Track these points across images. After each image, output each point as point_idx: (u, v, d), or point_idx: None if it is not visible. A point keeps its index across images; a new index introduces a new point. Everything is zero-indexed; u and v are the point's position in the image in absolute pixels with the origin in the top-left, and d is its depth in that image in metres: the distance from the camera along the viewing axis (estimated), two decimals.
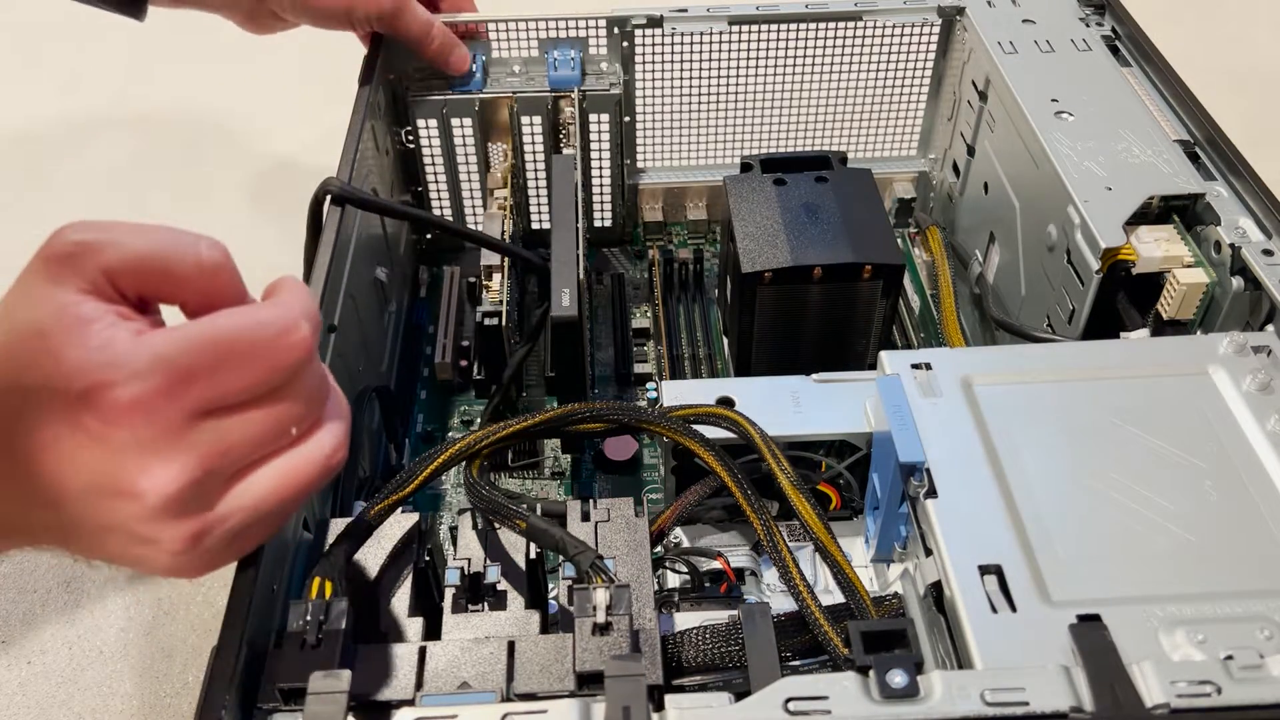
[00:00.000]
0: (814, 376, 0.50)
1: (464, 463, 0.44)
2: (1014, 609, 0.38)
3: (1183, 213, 0.55)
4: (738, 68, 0.72)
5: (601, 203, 0.77)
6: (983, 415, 0.45)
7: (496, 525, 0.44)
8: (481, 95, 0.70)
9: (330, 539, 0.42)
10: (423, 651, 0.38)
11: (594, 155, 0.74)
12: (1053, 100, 0.60)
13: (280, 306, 0.35)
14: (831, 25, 0.70)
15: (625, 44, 0.70)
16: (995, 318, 0.64)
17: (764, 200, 0.61)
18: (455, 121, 0.71)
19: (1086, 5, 0.69)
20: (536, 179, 0.74)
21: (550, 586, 0.47)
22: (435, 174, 0.74)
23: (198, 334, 0.33)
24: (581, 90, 0.70)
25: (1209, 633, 0.36)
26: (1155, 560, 0.39)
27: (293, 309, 0.35)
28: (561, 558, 0.41)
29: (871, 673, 0.35)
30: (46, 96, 1.01)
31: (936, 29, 0.71)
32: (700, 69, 0.72)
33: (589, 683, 0.36)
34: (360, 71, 0.65)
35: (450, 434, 0.68)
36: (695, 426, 0.46)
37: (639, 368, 0.71)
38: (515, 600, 0.42)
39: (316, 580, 0.38)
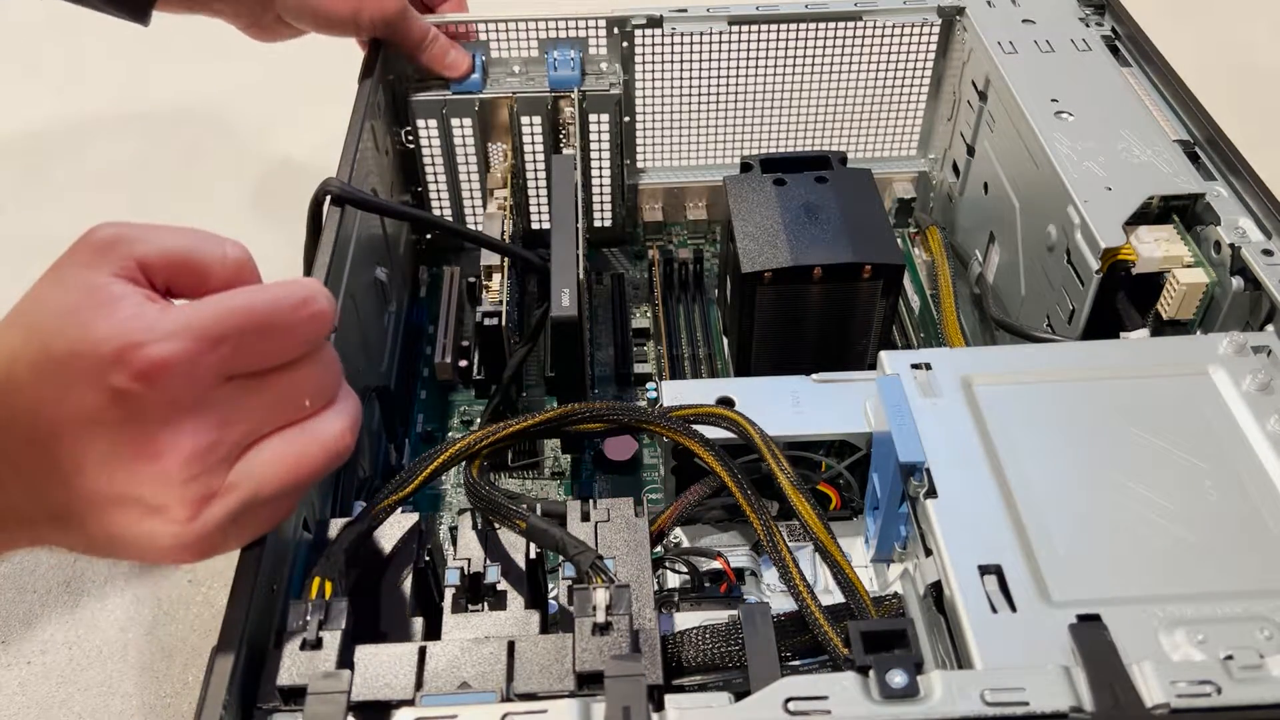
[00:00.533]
0: (814, 376, 0.50)
1: (464, 463, 0.44)
2: (1014, 609, 0.38)
3: (1183, 213, 0.55)
4: (738, 68, 0.72)
5: (601, 203, 0.77)
6: (983, 415, 0.45)
7: (496, 525, 0.44)
8: (481, 95, 0.70)
9: (330, 539, 0.42)
10: (423, 651, 0.38)
11: (594, 155, 0.74)
12: (1053, 100, 0.60)
13: (299, 283, 0.37)
14: (831, 25, 0.70)
15: (625, 44, 0.70)
16: (995, 318, 0.64)
17: (764, 200, 0.61)
18: (455, 121, 0.71)
19: (1086, 5, 0.69)
20: (536, 179, 0.74)
21: (550, 586, 0.47)
22: (435, 174, 0.74)
23: (224, 302, 0.35)
24: (581, 90, 0.70)
25: (1209, 633, 0.36)
26: (1155, 560, 0.39)
27: (311, 285, 0.37)
28: (561, 558, 0.41)
29: (871, 673, 0.35)
30: (46, 96, 1.01)
31: (936, 29, 0.71)
32: (700, 69, 0.72)
33: (589, 683, 0.36)
34: (360, 72, 0.65)
35: (450, 434, 0.68)
36: (695, 426, 0.46)
37: (639, 368, 0.71)
38: (515, 600, 0.42)
39: (316, 580, 0.38)
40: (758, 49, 0.71)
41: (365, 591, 0.41)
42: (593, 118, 0.72)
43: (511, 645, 0.38)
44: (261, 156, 0.94)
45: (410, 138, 0.72)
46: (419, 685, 0.37)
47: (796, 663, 0.41)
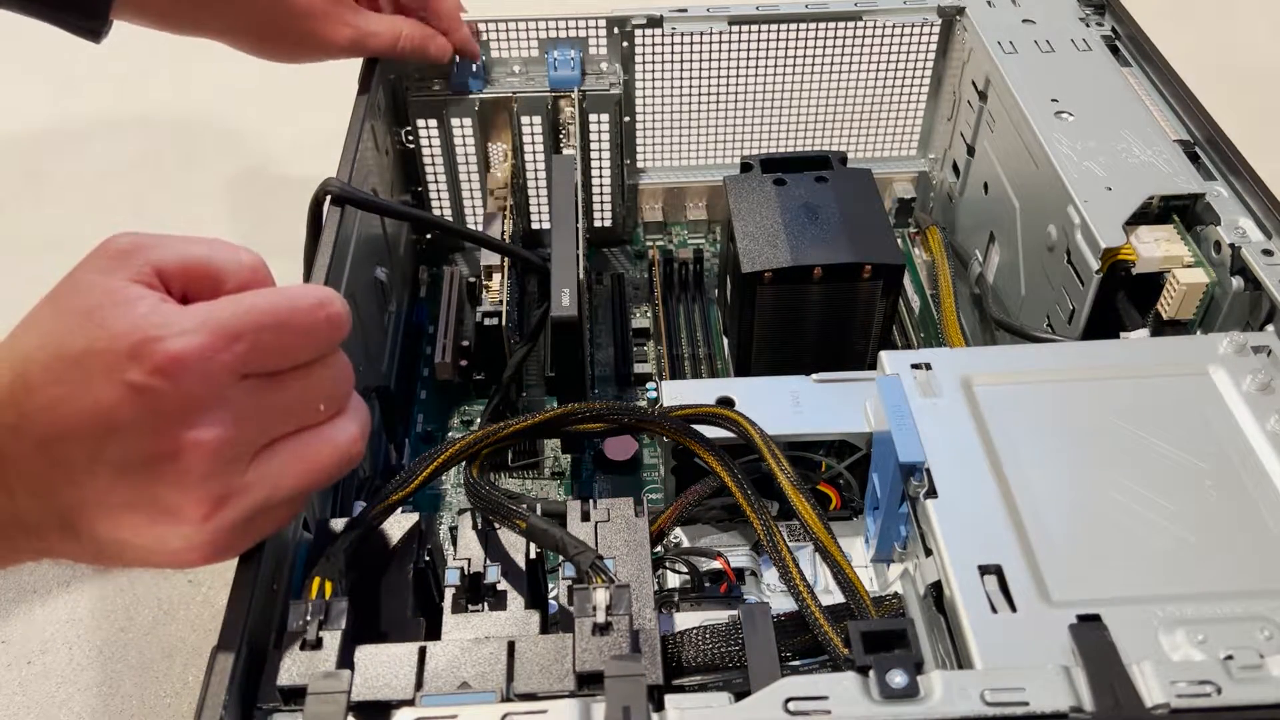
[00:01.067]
0: (814, 376, 0.50)
1: (464, 463, 0.44)
2: (1014, 609, 0.38)
3: (1183, 213, 0.55)
4: (738, 68, 0.72)
5: (601, 203, 0.77)
6: (983, 415, 0.45)
7: (496, 525, 0.44)
8: (481, 95, 0.70)
9: (330, 539, 0.42)
10: (423, 651, 0.38)
11: (594, 155, 0.74)
12: (1053, 100, 0.60)
13: (315, 287, 0.38)
14: (831, 25, 0.70)
15: (625, 44, 0.70)
16: (995, 318, 0.64)
17: (764, 200, 0.61)
18: (455, 121, 0.71)
19: (1086, 5, 0.69)
20: (536, 179, 0.74)
21: (550, 586, 0.47)
22: (435, 174, 0.74)
23: (241, 301, 0.36)
24: (581, 90, 0.70)
25: (1209, 633, 0.36)
26: (1155, 560, 0.39)
27: (327, 289, 0.38)
28: (561, 558, 0.41)
29: (871, 673, 0.35)
30: (46, 97, 1.01)
31: (936, 29, 0.71)
32: (700, 69, 0.72)
33: (589, 683, 0.36)
34: (360, 71, 0.65)
35: (450, 434, 0.68)
36: (695, 426, 0.46)
37: (639, 368, 0.71)
38: (515, 600, 0.42)
39: (316, 580, 0.38)
40: (758, 49, 0.71)
41: (365, 591, 0.41)
42: (593, 118, 0.72)
43: (511, 645, 0.38)
44: (261, 157, 0.94)
45: (410, 138, 0.72)
46: (419, 685, 0.37)
47: (796, 663, 0.41)
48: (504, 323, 0.61)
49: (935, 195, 0.78)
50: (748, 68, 0.72)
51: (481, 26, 0.70)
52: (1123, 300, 0.54)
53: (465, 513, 0.46)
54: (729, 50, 0.71)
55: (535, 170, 0.74)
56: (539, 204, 0.76)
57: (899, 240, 0.77)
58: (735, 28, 0.70)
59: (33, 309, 0.35)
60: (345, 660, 0.37)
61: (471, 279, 0.74)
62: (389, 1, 0.66)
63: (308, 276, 0.51)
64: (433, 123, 0.71)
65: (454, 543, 0.44)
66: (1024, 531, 0.40)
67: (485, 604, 0.42)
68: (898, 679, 0.34)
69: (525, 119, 0.71)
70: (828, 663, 0.40)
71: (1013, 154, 0.63)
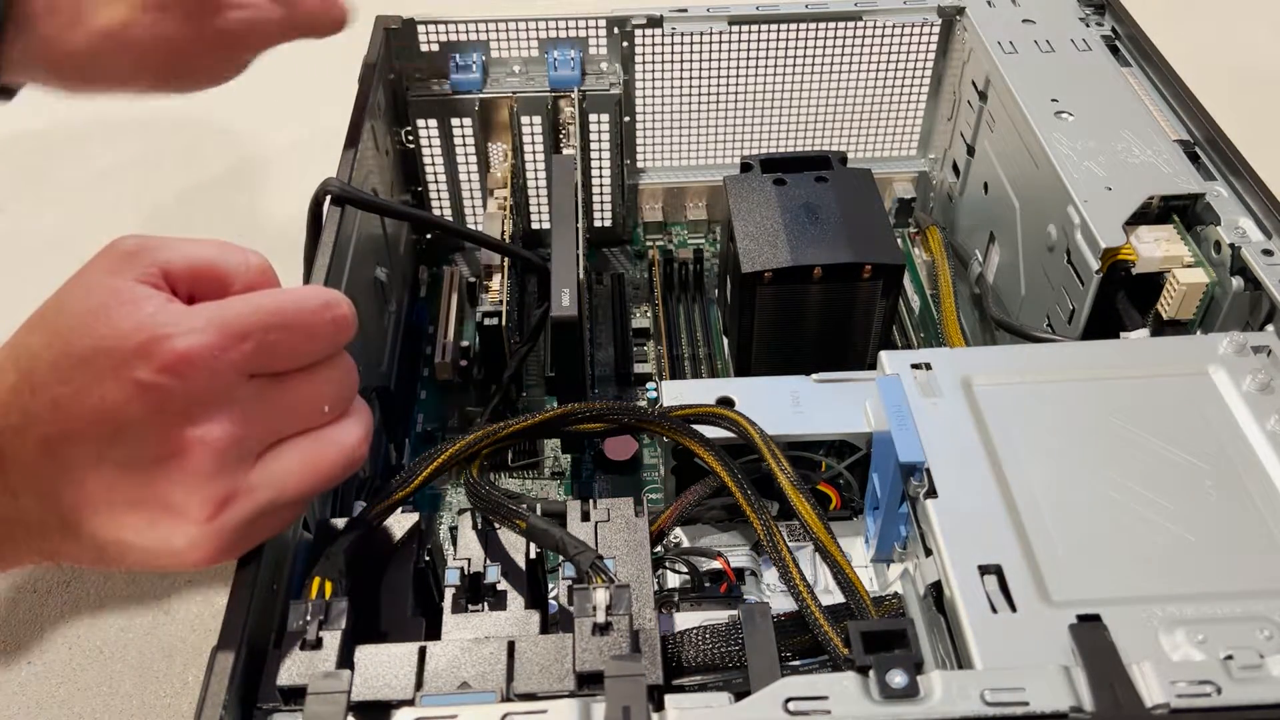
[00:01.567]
0: (814, 376, 0.50)
1: (464, 463, 0.44)
2: (1014, 609, 0.38)
3: (1183, 213, 0.55)
4: (738, 68, 0.72)
5: (601, 203, 0.77)
6: (983, 415, 0.45)
7: (496, 525, 0.44)
8: (481, 95, 0.70)
9: (330, 539, 0.42)
10: (423, 651, 0.38)
11: (594, 155, 0.74)
12: (1053, 100, 0.60)
13: (321, 289, 0.38)
14: (831, 25, 0.70)
15: (625, 44, 0.70)
16: (995, 318, 0.64)
17: (764, 200, 0.61)
18: (455, 121, 0.71)
19: (1086, 5, 0.69)
20: (536, 179, 0.74)
21: (550, 586, 0.47)
22: (435, 174, 0.74)
23: (249, 300, 0.36)
24: (581, 90, 0.70)
25: (1209, 633, 0.36)
26: (1155, 560, 0.39)
27: (333, 292, 0.38)
28: (561, 558, 0.41)
29: (871, 673, 0.35)
30: (46, 97, 1.01)
31: (936, 29, 0.71)
32: (700, 69, 0.72)
33: (589, 683, 0.36)
34: (360, 71, 0.65)
35: (450, 434, 0.68)
36: (695, 426, 0.46)
37: (639, 368, 0.71)
38: (515, 600, 0.42)
39: (316, 580, 0.38)
40: (758, 49, 0.71)
41: (365, 591, 0.41)
42: (593, 118, 0.72)
43: (511, 645, 0.38)
44: (261, 157, 0.94)
45: (410, 138, 0.72)
46: (419, 685, 0.37)
47: (796, 663, 0.41)
48: (504, 323, 0.61)
49: (935, 195, 0.78)
50: (748, 68, 0.72)
51: (481, 26, 0.70)
52: (1123, 300, 0.54)
53: (465, 513, 0.46)
54: (729, 50, 0.71)
55: (535, 170, 0.74)
56: (539, 204, 0.76)
57: (899, 240, 0.77)
58: (735, 28, 0.70)
59: (38, 309, 0.35)
60: (345, 660, 0.37)
61: (471, 279, 0.74)
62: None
63: (308, 276, 0.51)
64: (433, 123, 0.71)
65: (454, 543, 0.44)
66: (1024, 531, 0.40)
67: (485, 604, 0.42)
68: (898, 679, 0.34)
69: (525, 119, 0.71)
70: (828, 663, 0.40)
71: (1013, 154, 0.63)
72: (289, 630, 0.37)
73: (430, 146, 0.72)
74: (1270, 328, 0.49)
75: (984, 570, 0.39)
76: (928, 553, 0.42)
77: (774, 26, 0.70)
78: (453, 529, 0.46)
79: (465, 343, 0.69)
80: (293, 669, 0.36)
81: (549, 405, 0.50)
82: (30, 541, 0.36)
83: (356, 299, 0.56)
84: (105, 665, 0.57)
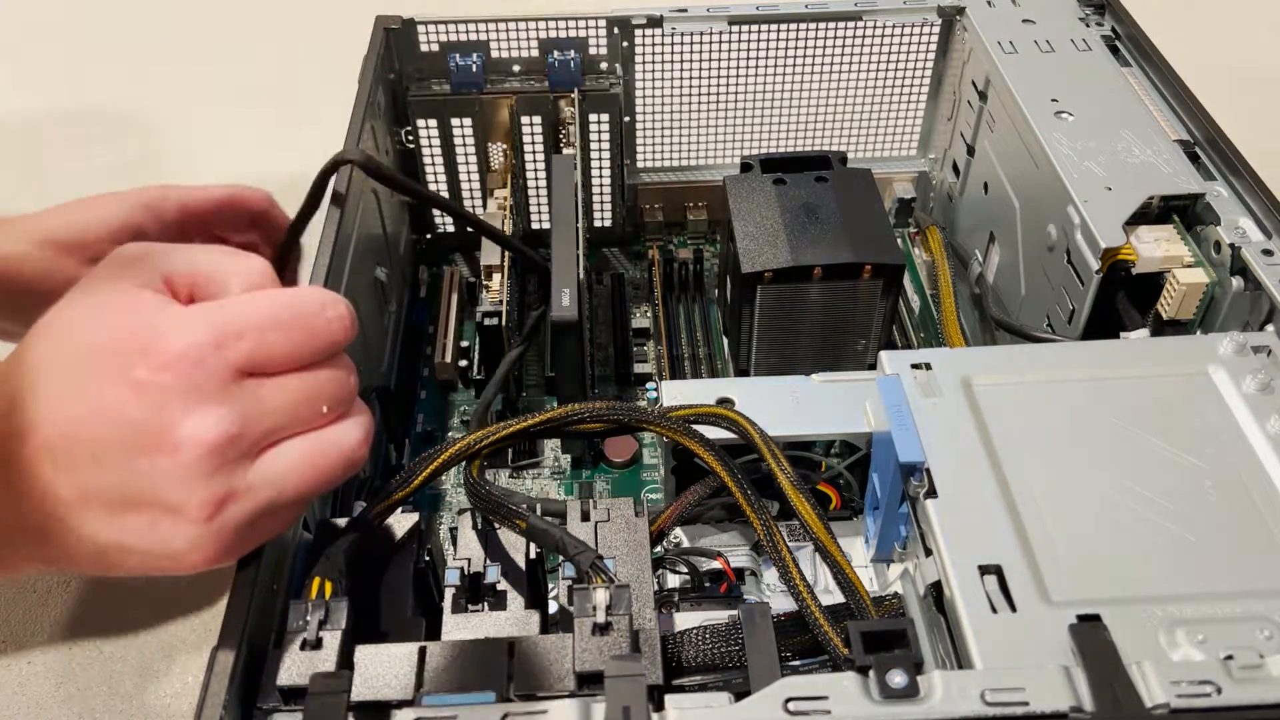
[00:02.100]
0: (814, 376, 0.50)
1: (464, 463, 0.44)
2: (1014, 609, 0.38)
3: (1183, 213, 0.55)
4: (738, 68, 0.72)
5: (601, 203, 0.77)
6: (983, 415, 0.45)
7: (496, 525, 0.44)
8: (481, 95, 0.70)
9: (330, 539, 0.42)
10: (423, 651, 0.38)
11: (594, 155, 0.74)
12: (1053, 100, 0.60)
13: (320, 290, 0.38)
14: (831, 25, 0.70)
15: (625, 44, 0.70)
16: (995, 318, 0.64)
17: (764, 200, 0.61)
18: (455, 121, 0.71)
19: (1086, 5, 0.69)
20: (536, 179, 0.74)
21: (550, 586, 0.47)
22: (435, 174, 0.74)
23: (248, 300, 0.37)
24: (581, 90, 0.70)
25: (1209, 633, 0.36)
26: (1155, 560, 0.39)
27: (332, 293, 0.39)
28: (561, 558, 0.41)
29: (871, 673, 0.35)
30: (46, 97, 1.01)
31: (936, 29, 0.71)
32: (700, 69, 0.72)
33: (589, 683, 0.36)
34: (360, 71, 0.65)
35: (450, 434, 0.68)
36: (695, 426, 0.46)
37: (639, 368, 0.71)
38: (515, 600, 0.42)
39: (316, 580, 0.38)
40: (758, 49, 0.71)
41: (365, 591, 0.41)
42: (593, 118, 0.72)
43: (511, 645, 0.38)
44: (261, 157, 0.94)
45: (410, 138, 0.72)
46: (419, 685, 0.37)
47: (796, 663, 0.41)
48: (504, 323, 0.61)
49: (935, 195, 0.78)
50: (748, 68, 0.72)
51: (481, 26, 0.70)
52: (1123, 300, 0.54)
53: (465, 513, 0.46)
54: (729, 50, 0.71)
55: (535, 170, 0.74)
56: (539, 204, 0.76)
57: (899, 240, 0.77)
58: (735, 28, 0.70)
59: (43, 318, 0.36)
60: (345, 660, 0.37)
61: (471, 279, 0.74)
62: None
63: (288, 247, 0.52)
64: (433, 123, 0.71)
65: (454, 543, 0.44)
66: (1024, 531, 0.40)
67: (485, 604, 0.42)
68: (898, 679, 0.34)
69: (525, 119, 0.71)
70: (828, 663, 0.40)
71: (1013, 154, 0.63)
72: (289, 630, 0.37)
73: (430, 146, 0.72)
74: (1270, 328, 0.49)
75: (984, 570, 0.39)
76: (928, 553, 0.42)
77: (774, 26, 0.70)
78: (453, 529, 0.46)
79: (465, 343, 0.69)
80: (293, 669, 0.36)
81: (549, 405, 0.50)
82: (31, 548, 0.36)
83: (356, 299, 0.56)
84: (105, 665, 0.57)
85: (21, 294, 0.53)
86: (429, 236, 0.78)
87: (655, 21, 0.69)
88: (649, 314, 0.74)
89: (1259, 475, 0.42)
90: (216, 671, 0.35)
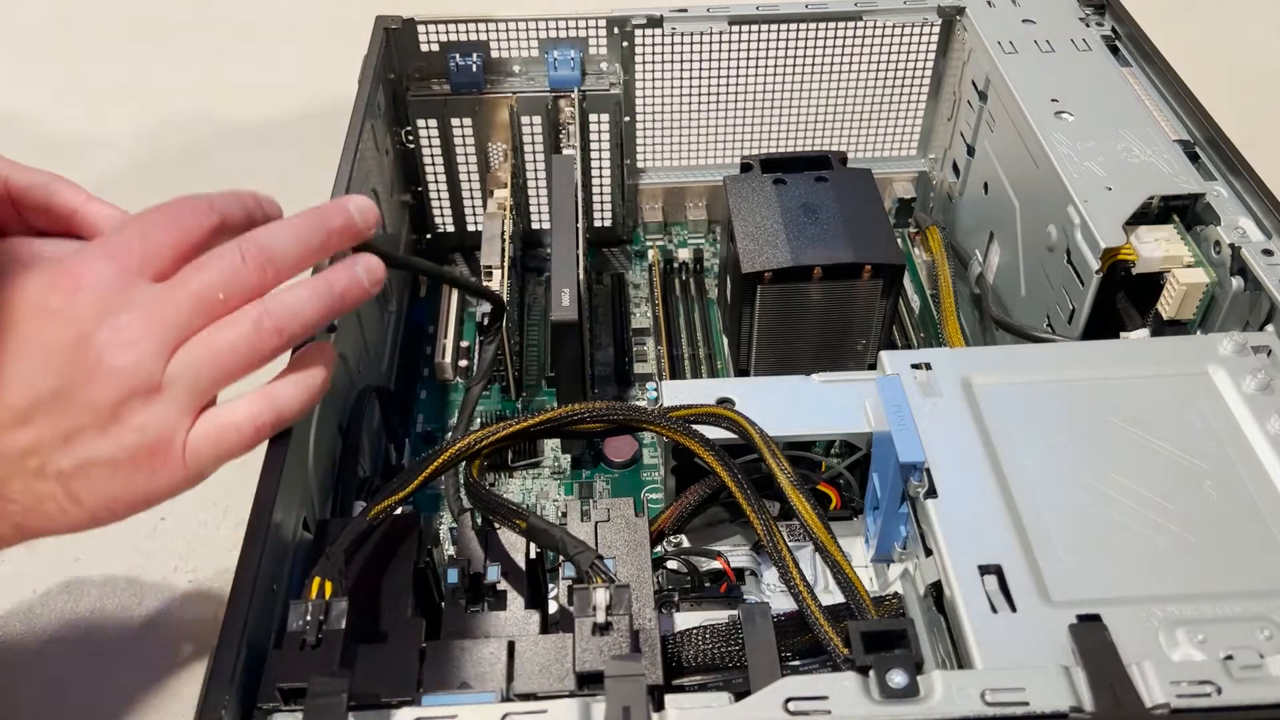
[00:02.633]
0: (814, 376, 0.50)
1: (464, 463, 0.44)
2: (1014, 609, 0.38)
3: (1183, 213, 0.55)
4: (738, 68, 0.72)
5: (601, 203, 0.77)
6: (983, 415, 0.45)
7: (496, 525, 0.44)
8: (481, 95, 0.70)
9: (330, 539, 0.42)
10: (423, 651, 0.38)
11: (594, 155, 0.74)
12: (1053, 100, 0.60)
13: (192, 196, 0.41)
14: (831, 25, 0.70)
15: (625, 44, 0.70)
16: (995, 318, 0.64)
17: (764, 200, 0.61)
18: (455, 121, 0.71)
19: (1086, 5, 0.69)
20: (536, 179, 0.74)
21: (550, 586, 0.47)
22: (435, 174, 0.74)
23: (126, 220, 0.41)
24: (581, 90, 0.70)
25: (1209, 633, 0.36)
26: (1155, 560, 0.39)
27: (202, 194, 0.41)
28: (561, 558, 0.41)
29: (871, 673, 0.35)
30: (45, 97, 1.01)
31: (936, 29, 0.71)
32: (700, 69, 0.72)
33: (589, 683, 0.36)
34: (360, 71, 0.65)
35: (450, 434, 0.68)
36: (695, 426, 0.46)
37: (639, 368, 0.71)
38: (515, 600, 0.42)
39: (316, 580, 0.38)
40: (758, 49, 0.71)
41: (365, 591, 0.41)
42: (593, 118, 0.72)
43: (511, 645, 0.38)
44: (261, 157, 0.94)
45: (410, 137, 0.72)
46: (419, 685, 0.37)
47: (796, 663, 0.41)
48: (504, 323, 0.61)
49: (935, 195, 0.78)
50: (748, 68, 0.72)
51: (481, 26, 0.70)
52: (1123, 300, 0.54)
53: (465, 513, 0.46)
54: (729, 50, 0.71)
55: (535, 170, 0.74)
56: (539, 204, 0.76)
57: (899, 240, 0.77)
58: (735, 28, 0.70)
59: None
60: (345, 660, 0.37)
61: (471, 279, 0.74)
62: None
63: None
64: (433, 123, 0.71)
65: (454, 543, 0.44)
66: (1024, 531, 0.40)
67: (485, 604, 0.42)
68: (898, 679, 0.34)
69: (525, 119, 0.71)
70: (828, 663, 0.40)
71: (1013, 154, 0.63)
72: (289, 630, 0.37)
73: (430, 146, 0.72)
74: (1270, 328, 0.49)
75: (984, 570, 0.39)
76: (928, 553, 0.42)
77: (774, 26, 0.70)
78: (453, 529, 0.46)
79: (465, 343, 0.69)
80: (293, 669, 0.36)
81: (549, 405, 0.50)
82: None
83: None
84: (105, 665, 0.57)
85: None
86: (429, 236, 0.78)
87: (655, 21, 0.69)
88: (649, 314, 0.74)
89: (1259, 475, 0.42)
90: (216, 671, 0.35)
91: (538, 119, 0.71)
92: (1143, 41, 0.65)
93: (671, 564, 0.48)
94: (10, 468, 0.37)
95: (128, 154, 0.94)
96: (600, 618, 0.37)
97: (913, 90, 0.74)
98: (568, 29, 0.70)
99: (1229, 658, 0.35)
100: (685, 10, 0.69)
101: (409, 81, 0.70)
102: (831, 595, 0.44)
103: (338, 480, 0.50)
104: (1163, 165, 0.56)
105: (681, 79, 0.72)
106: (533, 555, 0.44)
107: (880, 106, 0.75)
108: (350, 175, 0.56)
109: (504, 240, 0.64)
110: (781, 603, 0.44)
